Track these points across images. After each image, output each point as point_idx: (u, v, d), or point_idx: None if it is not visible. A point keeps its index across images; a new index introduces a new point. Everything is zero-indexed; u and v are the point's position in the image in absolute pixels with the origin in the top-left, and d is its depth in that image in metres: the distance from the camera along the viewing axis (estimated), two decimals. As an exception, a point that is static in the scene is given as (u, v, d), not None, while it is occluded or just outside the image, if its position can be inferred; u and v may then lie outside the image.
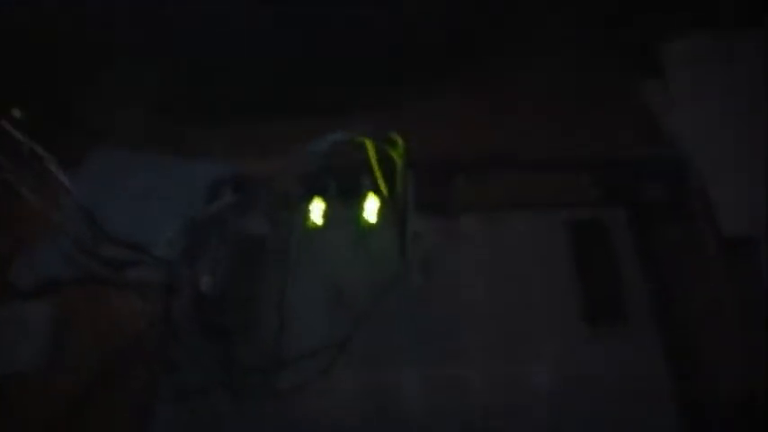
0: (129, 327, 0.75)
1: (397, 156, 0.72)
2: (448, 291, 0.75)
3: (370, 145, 0.71)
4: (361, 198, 0.81)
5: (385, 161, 0.74)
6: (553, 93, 0.93)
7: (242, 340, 0.71)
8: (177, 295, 0.70)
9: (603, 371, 0.68)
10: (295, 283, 0.77)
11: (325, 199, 0.83)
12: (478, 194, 0.84)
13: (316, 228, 0.80)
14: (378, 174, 0.74)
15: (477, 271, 0.77)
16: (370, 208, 0.79)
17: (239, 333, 0.72)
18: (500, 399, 0.67)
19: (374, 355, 0.71)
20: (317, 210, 0.80)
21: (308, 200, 0.82)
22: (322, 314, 0.74)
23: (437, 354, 0.70)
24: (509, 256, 0.78)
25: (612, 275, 0.75)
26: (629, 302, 0.73)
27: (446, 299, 0.74)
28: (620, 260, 0.76)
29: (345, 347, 0.70)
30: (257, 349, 0.71)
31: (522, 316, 0.73)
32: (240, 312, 0.74)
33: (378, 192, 0.77)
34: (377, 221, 0.79)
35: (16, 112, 0.76)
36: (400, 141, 0.71)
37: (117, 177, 0.93)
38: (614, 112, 0.90)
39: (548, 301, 0.74)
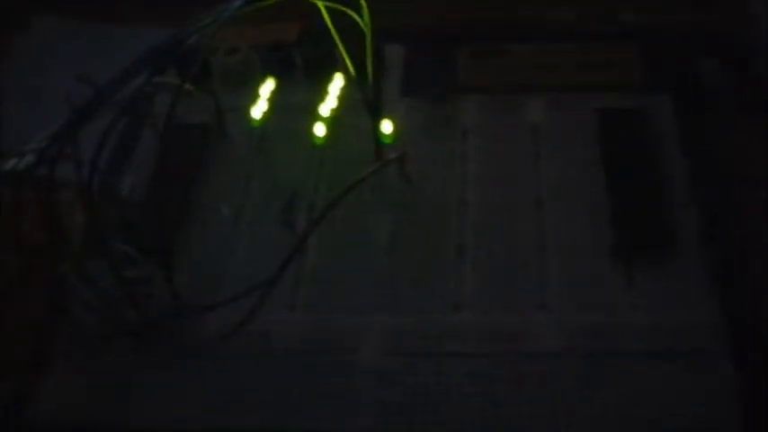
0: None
1: (363, 23, 0.53)
2: (434, 204, 0.56)
3: (321, 7, 0.52)
4: (328, 78, 0.63)
5: (353, 30, 0.55)
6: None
7: (161, 268, 0.53)
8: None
9: (637, 324, 0.50)
10: (238, 190, 0.59)
11: (287, 78, 0.65)
12: (484, 73, 0.64)
13: (264, 116, 0.61)
14: (341, 47, 0.55)
15: (475, 177, 0.58)
16: (336, 91, 0.61)
17: (160, 257, 0.54)
18: (493, 365, 0.49)
19: (329, 291, 0.53)
20: (266, 92, 0.62)
21: (261, 79, 0.64)
22: (269, 231, 0.56)
23: (412, 294, 0.52)
24: (519, 157, 0.59)
25: (655, 188, 0.55)
26: (676, 227, 0.53)
27: (431, 215, 0.56)
28: (667, 166, 0.57)
29: (289, 277, 0.52)
30: (180, 282, 0.53)
31: (530, 245, 0.54)
32: (162, 230, 0.56)
33: (347, 70, 0.57)
34: (345, 108, 0.61)
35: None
36: (363, 1, 0.52)
37: (53, 54, 0.76)
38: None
39: (567, 224, 0.54)
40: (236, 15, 0.47)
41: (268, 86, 0.62)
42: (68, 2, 0.78)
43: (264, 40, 0.67)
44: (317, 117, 0.59)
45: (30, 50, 0.76)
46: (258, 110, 0.60)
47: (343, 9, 0.52)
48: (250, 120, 0.61)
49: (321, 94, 0.61)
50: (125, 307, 0.50)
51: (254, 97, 0.62)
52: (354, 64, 0.56)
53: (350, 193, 0.50)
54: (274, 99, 0.63)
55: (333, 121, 0.60)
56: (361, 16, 0.53)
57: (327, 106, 0.60)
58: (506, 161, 0.58)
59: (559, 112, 0.61)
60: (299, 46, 0.66)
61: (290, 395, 0.49)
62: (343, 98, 0.61)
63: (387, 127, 0.56)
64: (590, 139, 0.59)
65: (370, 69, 0.55)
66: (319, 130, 0.58)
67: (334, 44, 0.55)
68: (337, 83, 0.61)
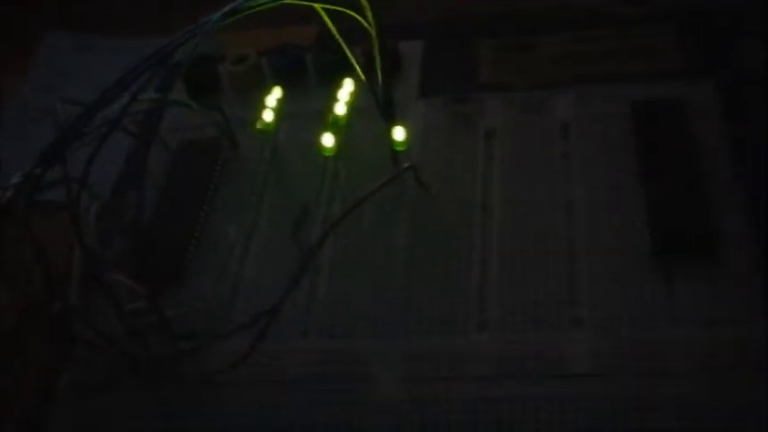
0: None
1: (367, 23, 0.49)
2: (455, 213, 0.52)
3: (320, 10, 0.48)
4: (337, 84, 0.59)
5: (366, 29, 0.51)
6: None
7: (151, 299, 0.49)
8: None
9: (680, 335, 0.45)
10: (250, 207, 0.55)
11: (300, 84, 0.61)
12: (508, 69, 0.60)
13: (270, 127, 0.58)
14: (346, 50, 0.51)
15: (500, 182, 0.53)
16: (346, 97, 0.57)
17: (162, 289, 0.50)
18: (522, 389, 0.45)
19: (343, 314, 0.49)
20: (272, 101, 0.58)
21: (271, 87, 0.60)
22: (281, 249, 0.53)
23: (431, 313, 0.48)
24: (548, 158, 0.54)
25: (698, 186, 0.50)
26: (721, 229, 0.48)
27: (452, 226, 0.51)
28: (710, 161, 0.51)
29: (301, 300, 0.49)
30: (187, 315, 0.50)
31: (561, 255, 0.49)
32: (168, 256, 0.53)
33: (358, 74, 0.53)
34: (358, 115, 0.57)
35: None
36: (365, 1, 0.48)
37: (66, 71, 0.74)
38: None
39: (601, 231, 0.50)
40: (219, 27, 0.43)
41: (274, 95, 0.58)
42: (80, 17, 0.76)
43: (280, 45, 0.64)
44: (326, 126, 0.56)
45: (40, 69, 0.74)
46: (263, 121, 0.57)
47: (343, 10, 0.48)
48: (256, 132, 0.57)
49: (332, 101, 0.58)
50: (128, 344, 0.47)
51: (260, 108, 0.58)
52: (368, 66, 0.52)
53: (358, 208, 0.47)
54: (285, 108, 0.59)
55: (345, 130, 0.56)
56: (364, 16, 0.49)
57: (336, 114, 0.56)
58: (534, 163, 0.54)
59: (591, 106, 0.56)
60: (311, 50, 0.62)
61: (302, 428, 0.45)
62: (357, 104, 0.57)
63: (399, 134, 0.52)
64: (625, 134, 0.54)
65: (378, 72, 0.51)
66: (327, 140, 0.54)
67: (341, 47, 0.51)
68: (347, 88, 0.57)
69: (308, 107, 0.59)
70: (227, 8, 0.42)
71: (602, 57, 0.59)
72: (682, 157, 0.52)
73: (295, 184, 0.55)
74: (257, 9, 0.43)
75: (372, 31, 0.49)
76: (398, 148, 0.53)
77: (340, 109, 0.56)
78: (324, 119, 0.57)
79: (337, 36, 0.50)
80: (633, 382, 0.44)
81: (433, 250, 0.50)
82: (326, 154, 0.55)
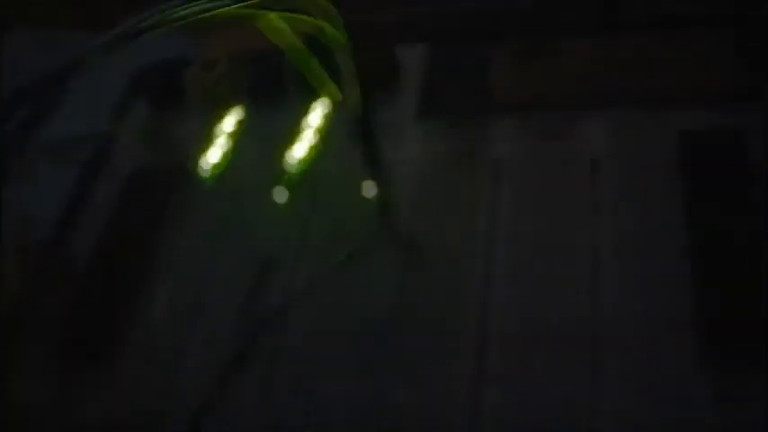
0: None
1: (336, 41, 0.38)
2: (446, 282, 0.41)
3: (277, 22, 0.37)
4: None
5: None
6: None
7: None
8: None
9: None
10: (203, 257, 0.45)
11: (274, 95, 0.50)
12: (526, 82, 0.48)
13: (220, 166, 0.47)
14: (315, 69, 0.40)
15: (507, 235, 0.42)
16: (317, 121, 0.46)
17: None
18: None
19: (300, 409, 0.39)
20: (228, 128, 0.47)
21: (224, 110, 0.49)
22: (231, 318, 0.42)
23: (408, 414, 0.37)
24: (570, 205, 0.43)
25: (759, 254, 0.39)
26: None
27: (441, 298, 0.41)
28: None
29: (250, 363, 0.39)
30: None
31: (581, 342, 0.38)
32: (95, 328, 0.43)
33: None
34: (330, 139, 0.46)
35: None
36: (334, 12, 0.37)
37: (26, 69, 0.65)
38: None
39: (633, 303, 0.38)
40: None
41: (231, 120, 0.47)
42: (45, 12, 0.67)
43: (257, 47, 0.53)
44: (282, 167, 0.45)
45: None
46: (213, 157, 0.46)
47: (303, 18, 0.37)
48: (199, 172, 0.46)
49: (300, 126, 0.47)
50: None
51: (209, 137, 0.47)
52: (356, 80, 0.41)
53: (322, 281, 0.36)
54: (254, 128, 0.49)
55: (318, 157, 0.46)
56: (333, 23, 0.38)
57: (303, 143, 0.45)
58: (552, 210, 0.43)
59: (627, 136, 0.45)
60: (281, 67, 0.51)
61: None
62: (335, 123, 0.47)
63: (369, 191, 0.41)
64: (670, 174, 0.42)
65: (355, 97, 0.40)
66: (280, 195, 0.43)
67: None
68: (320, 110, 0.46)
69: (281, 126, 0.49)
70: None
71: (644, 69, 0.47)
72: (742, 213, 0.40)
73: (257, 230, 0.45)
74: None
75: (343, 48, 0.38)
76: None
77: (307, 135, 0.45)
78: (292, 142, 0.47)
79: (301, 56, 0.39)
80: None
81: (418, 332, 0.39)
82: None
